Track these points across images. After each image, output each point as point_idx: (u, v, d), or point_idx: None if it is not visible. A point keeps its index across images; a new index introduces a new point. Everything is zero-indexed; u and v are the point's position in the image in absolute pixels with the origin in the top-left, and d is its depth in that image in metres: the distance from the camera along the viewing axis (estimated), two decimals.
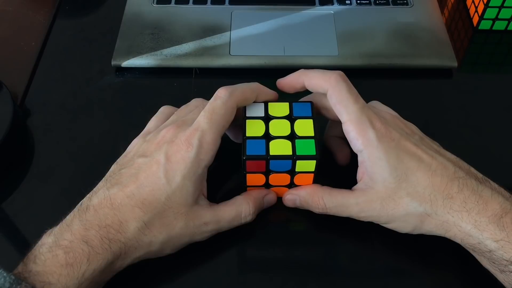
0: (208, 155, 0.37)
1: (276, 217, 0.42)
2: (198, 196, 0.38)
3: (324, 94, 0.39)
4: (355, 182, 0.39)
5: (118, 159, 0.40)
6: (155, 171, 0.36)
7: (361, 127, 0.37)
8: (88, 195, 0.37)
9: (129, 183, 0.36)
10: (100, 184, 0.38)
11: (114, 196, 0.36)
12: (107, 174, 0.39)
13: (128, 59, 0.52)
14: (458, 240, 0.37)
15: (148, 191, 0.36)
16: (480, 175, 0.38)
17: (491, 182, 0.37)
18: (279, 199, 0.42)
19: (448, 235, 0.37)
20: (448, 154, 0.39)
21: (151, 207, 0.36)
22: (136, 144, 0.40)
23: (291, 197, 0.41)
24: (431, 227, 0.37)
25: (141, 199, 0.36)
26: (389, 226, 0.39)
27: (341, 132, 0.39)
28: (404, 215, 0.37)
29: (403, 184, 0.36)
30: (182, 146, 0.37)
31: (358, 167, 0.39)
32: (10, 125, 0.44)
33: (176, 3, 0.58)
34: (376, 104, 0.43)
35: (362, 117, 0.37)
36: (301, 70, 0.40)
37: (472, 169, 0.38)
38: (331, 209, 0.39)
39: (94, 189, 0.37)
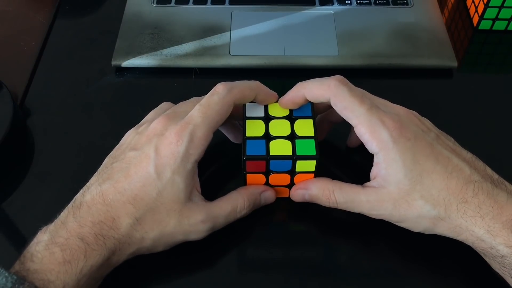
0: (198, 150, 0.37)
1: (276, 217, 0.42)
2: (191, 192, 0.37)
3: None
4: (357, 181, 0.39)
5: (112, 151, 0.40)
6: (145, 166, 0.36)
7: (373, 129, 0.36)
8: (81, 191, 0.37)
9: (120, 179, 0.36)
10: (93, 179, 0.38)
11: (106, 192, 0.36)
12: (100, 167, 0.39)
13: (128, 59, 0.52)
14: (469, 243, 0.36)
15: (139, 186, 0.36)
16: (496, 176, 0.37)
17: (506, 184, 0.37)
18: (277, 200, 0.42)
19: (460, 238, 0.36)
20: (464, 152, 0.38)
21: (143, 203, 0.35)
22: (129, 136, 0.40)
23: (300, 192, 0.40)
24: (443, 230, 0.36)
25: (132, 195, 0.35)
26: (401, 225, 0.38)
27: (337, 118, 0.38)
28: (416, 217, 0.36)
29: (417, 186, 0.36)
30: (172, 140, 0.36)
31: (373, 167, 0.38)
32: (10, 125, 0.44)
33: (176, 3, 0.58)
34: (386, 103, 0.42)
35: (372, 118, 0.36)
36: (299, 84, 0.39)
37: (488, 170, 0.37)
38: (341, 204, 0.38)
39: (87, 184, 0.37)
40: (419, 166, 0.36)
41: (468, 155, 0.38)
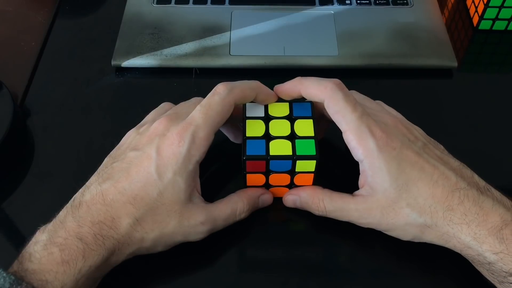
0: (199, 151, 0.37)
1: (276, 217, 0.42)
2: (192, 193, 0.37)
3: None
4: (355, 184, 0.39)
5: (112, 151, 0.40)
6: (147, 166, 0.36)
7: (361, 136, 0.36)
8: (80, 190, 0.37)
9: (120, 178, 0.36)
10: (93, 178, 0.38)
11: (106, 191, 0.35)
12: (99, 167, 0.39)
13: (128, 59, 0.52)
14: (458, 251, 0.37)
15: (140, 186, 0.36)
16: (482, 183, 0.37)
17: (493, 190, 0.37)
18: (276, 200, 0.42)
19: (448, 245, 0.37)
20: (452, 161, 0.38)
21: (143, 203, 0.35)
22: (129, 136, 0.40)
23: (292, 198, 0.41)
24: (431, 238, 0.37)
25: (133, 195, 0.35)
26: (390, 233, 0.38)
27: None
28: (403, 225, 0.37)
29: (403, 194, 0.36)
30: (174, 141, 0.36)
31: (360, 175, 0.38)
32: (10, 125, 0.44)
33: (176, 3, 0.58)
34: (380, 104, 0.42)
35: (361, 126, 0.36)
36: (298, 78, 0.40)
37: (476, 177, 0.37)
38: (330, 213, 0.39)
39: (87, 183, 0.37)
40: (405, 175, 0.36)
41: (456, 163, 0.38)
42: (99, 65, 0.53)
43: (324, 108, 0.40)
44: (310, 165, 0.39)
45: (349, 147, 0.38)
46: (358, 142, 0.37)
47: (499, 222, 0.34)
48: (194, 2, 0.58)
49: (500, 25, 0.56)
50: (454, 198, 0.35)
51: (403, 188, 0.36)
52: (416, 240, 0.38)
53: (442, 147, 0.40)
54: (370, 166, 0.37)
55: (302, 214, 0.42)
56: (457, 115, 0.49)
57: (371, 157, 0.36)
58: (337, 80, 0.38)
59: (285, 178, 0.40)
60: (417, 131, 0.40)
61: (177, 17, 0.56)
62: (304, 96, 0.40)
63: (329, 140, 0.46)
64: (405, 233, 0.38)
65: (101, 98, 0.51)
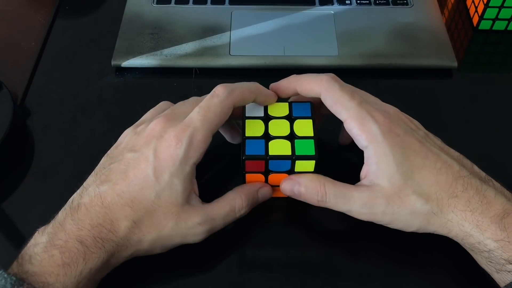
0: (197, 153, 0.36)
1: (276, 217, 0.42)
2: (189, 195, 0.37)
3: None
4: (356, 182, 0.39)
5: (109, 150, 0.40)
6: (144, 169, 0.36)
7: (363, 122, 0.36)
8: (78, 191, 0.37)
9: (118, 181, 0.36)
10: (90, 179, 0.37)
11: (105, 194, 0.35)
12: (97, 167, 0.38)
13: (128, 59, 0.52)
14: (459, 240, 0.37)
15: (138, 189, 0.35)
16: (483, 174, 0.37)
17: (494, 181, 0.37)
18: (276, 200, 0.42)
19: (450, 234, 0.37)
20: (452, 151, 0.39)
21: (141, 206, 0.35)
22: (127, 136, 0.40)
23: (290, 182, 0.39)
24: (436, 227, 0.36)
25: (131, 198, 0.35)
26: (392, 225, 0.38)
27: (328, 111, 0.38)
28: (410, 214, 0.36)
29: (408, 181, 0.36)
30: (171, 142, 0.36)
31: (364, 165, 0.38)
32: (10, 125, 0.44)
33: (176, 3, 0.58)
34: (378, 100, 0.42)
35: (362, 112, 0.36)
36: (293, 76, 0.40)
37: (475, 168, 0.38)
38: (331, 199, 0.37)
39: (84, 184, 0.37)
40: (409, 162, 0.36)
41: (456, 153, 0.39)
42: (99, 65, 0.53)
43: (320, 104, 0.40)
44: (309, 165, 0.39)
45: (352, 135, 0.37)
46: (360, 128, 0.36)
47: (501, 211, 0.35)
48: (194, 2, 0.58)
49: (500, 25, 0.56)
50: (458, 186, 0.36)
51: (408, 175, 0.36)
52: (421, 231, 0.37)
53: (440, 139, 0.40)
54: (375, 151, 0.36)
55: (302, 214, 0.42)
56: (457, 115, 0.49)
57: (376, 142, 0.36)
58: (331, 74, 0.39)
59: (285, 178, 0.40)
60: (417, 122, 0.40)
61: (177, 17, 0.56)
62: (300, 93, 0.39)
63: (328, 140, 0.46)
64: (410, 223, 0.37)
65: (101, 98, 0.51)
